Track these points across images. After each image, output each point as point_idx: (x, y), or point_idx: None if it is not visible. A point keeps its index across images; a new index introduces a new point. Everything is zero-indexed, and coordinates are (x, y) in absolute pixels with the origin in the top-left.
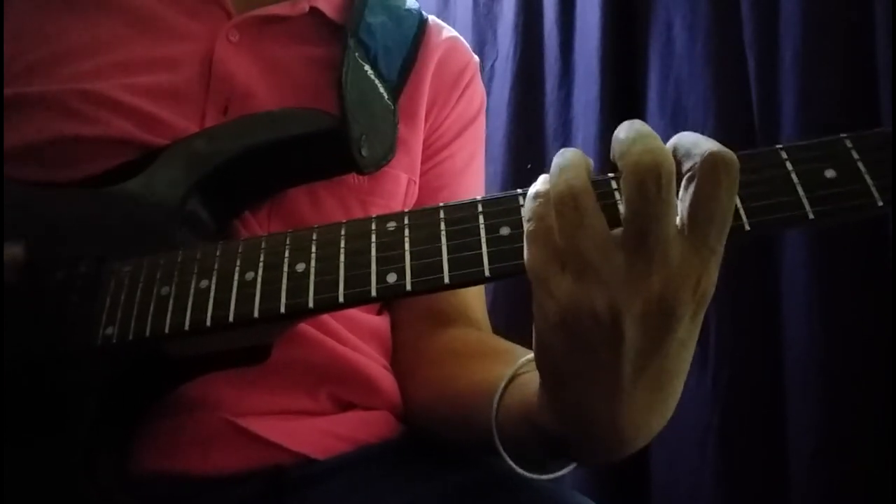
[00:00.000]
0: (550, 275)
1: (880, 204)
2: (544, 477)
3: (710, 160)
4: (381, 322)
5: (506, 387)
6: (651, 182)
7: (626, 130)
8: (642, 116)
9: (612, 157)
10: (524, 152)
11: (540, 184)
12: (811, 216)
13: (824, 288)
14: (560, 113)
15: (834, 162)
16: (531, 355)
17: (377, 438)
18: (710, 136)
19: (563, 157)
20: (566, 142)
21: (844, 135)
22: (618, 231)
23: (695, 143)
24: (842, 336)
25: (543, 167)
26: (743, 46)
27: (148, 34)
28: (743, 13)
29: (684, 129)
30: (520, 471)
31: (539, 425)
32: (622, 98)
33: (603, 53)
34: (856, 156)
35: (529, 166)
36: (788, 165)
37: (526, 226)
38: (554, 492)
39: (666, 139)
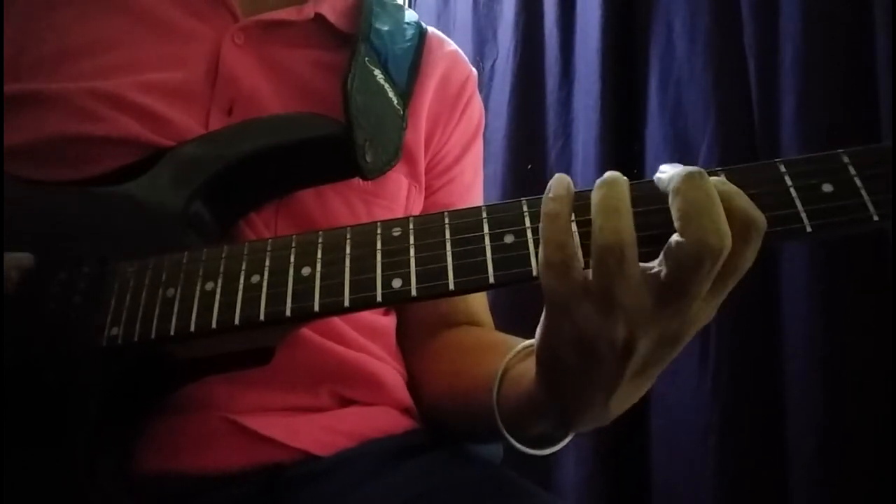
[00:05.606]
0: (572, 302)
1: (875, 218)
2: (544, 452)
3: (752, 227)
4: (386, 321)
5: (503, 376)
6: (708, 266)
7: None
8: (642, 117)
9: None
10: (524, 152)
11: (554, 203)
12: (809, 230)
13: (824, 288)
14: (560, 113)
15: (831, 177)
16: (525, 343)
17: (380, 433)
18: (710, 136)
19: (609, 196)
20: (566, 142)
21: (842, 150)
22: (646, 268)
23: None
24: (842, 335)
25: (544, 167)
26: (743, 48)
27: (155, 34)
28: (743, 15)
29: (684, 130)
30: (521, 447)
31: (536, 403)
32: (622, 98)
33: (603, 54)
34: (853, 171)
35: (530, 166)
36: (788, 180)
37: (542, 251)
38: (552, 501)
39: (666, 139)
